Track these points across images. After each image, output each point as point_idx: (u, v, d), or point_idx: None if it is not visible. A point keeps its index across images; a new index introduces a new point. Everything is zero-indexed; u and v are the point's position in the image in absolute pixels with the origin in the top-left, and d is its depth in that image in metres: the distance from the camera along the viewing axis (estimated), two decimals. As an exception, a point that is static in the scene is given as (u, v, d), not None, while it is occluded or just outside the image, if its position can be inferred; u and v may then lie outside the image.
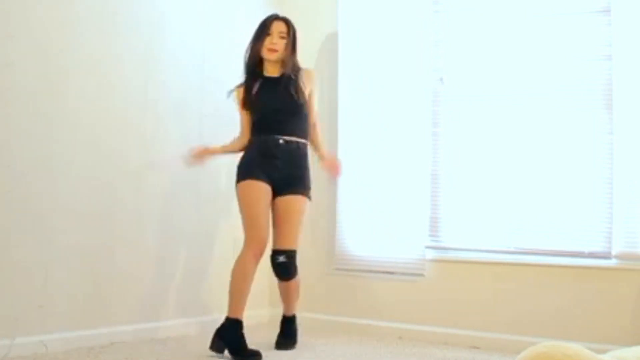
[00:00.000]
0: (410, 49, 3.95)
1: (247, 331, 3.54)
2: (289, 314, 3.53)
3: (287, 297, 3.48)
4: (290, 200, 3.33)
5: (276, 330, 3.52)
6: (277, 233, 3.36)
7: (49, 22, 3.11)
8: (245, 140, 3.43)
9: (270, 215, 3.34)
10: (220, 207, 3.98)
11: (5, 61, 2.94)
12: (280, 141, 3.31)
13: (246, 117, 3.43)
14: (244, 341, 3.14)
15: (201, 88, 3.88)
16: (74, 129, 3.21)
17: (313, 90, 3.46)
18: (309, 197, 3.41)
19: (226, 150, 3.50)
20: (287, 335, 3.49)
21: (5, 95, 2.94)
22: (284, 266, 3.33)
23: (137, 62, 3.52)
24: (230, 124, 3.98)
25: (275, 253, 3.35)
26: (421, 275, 3.84)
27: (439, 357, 3.29)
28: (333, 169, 3.62)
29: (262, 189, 3.28)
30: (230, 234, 4.02)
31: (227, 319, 3.17)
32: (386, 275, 3.94)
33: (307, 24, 4.04)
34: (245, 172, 3.30)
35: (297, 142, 3.35)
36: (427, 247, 3.85)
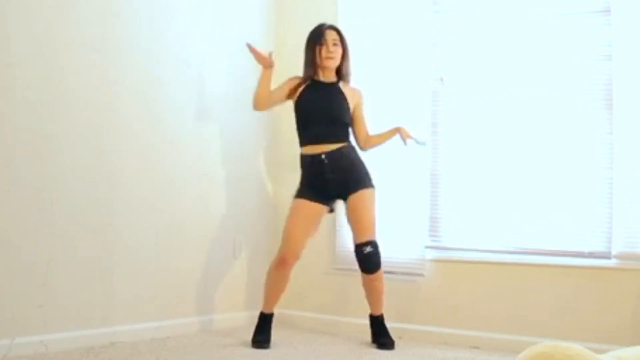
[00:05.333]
0: (410, 49, 3.95)
1: (247, 331, 3.56)
2: (377, 312, 3.57)
3: (374, 294, 3.53)
4: (357, 197, 3.49)
5: (277, 329, 3.51)
6: (355, 229, 3.49)
7: (49, 22, 3.11)
8: (266, 98, 3.55)
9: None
10: (220, 208, 3.98)
11: (5, 61, 2.94)
12: (323, 156, 3.46)
13: (281, 88, 3.56)
14: (258, 330, 3.47)
15: (201, 88, 3.88)
16: (73, 129, 3.21)
17: (359, 105, 3.66)
18: (372, 187, 3.54)
19: (263, 82, 3.56)
20: (384, 333, 3.53)
21: (5, 95, 2.94)
22: (371, 256, 3.44)
23: (139, 62, 3.52)
24: (229, 124, 3.99)
25: (359, 246, 3.45)
26: (421, 275, 3.84)
27: (439, 357, 3.29)
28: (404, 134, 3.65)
29: (309, 208, 3.49)
30: (230, 234, 4.02)
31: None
32: (386, 275, 3.92)
33: (307, 25, 4.03)
34: (300, 191, 3.53)
35: (339, 148, 3.49)
36: (427, 247, 3.85)
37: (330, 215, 4.08)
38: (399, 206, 3.92)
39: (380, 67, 4.04)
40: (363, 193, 3.49)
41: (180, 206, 3.75)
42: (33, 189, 3.04)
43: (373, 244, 3.46)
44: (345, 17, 4.14)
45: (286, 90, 3.56)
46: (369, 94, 4.05)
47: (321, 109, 3.51)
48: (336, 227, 4.09)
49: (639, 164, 3.35)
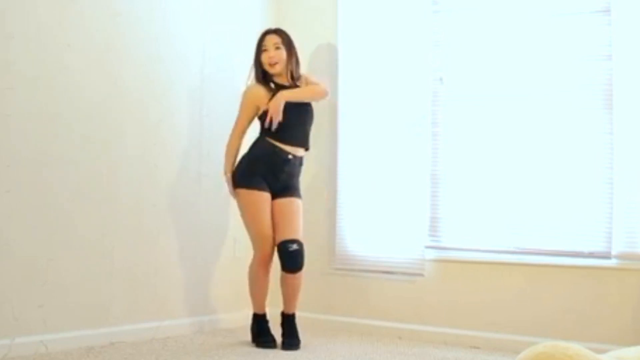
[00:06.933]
0: (410, 49, 3.95)
1: (247, 331, 3.56)
2: (291, 311, 3.51)
3: (291, 293, 3.46)
4: (290, 202, 3.50)
5: (277, 329, 3.51)
6: (281, 228, 3.43)
7: (50, 21, 3.11)
8: (240, 141, 3.53)
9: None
10: (221, 207, 3.98)
11: (6, 60, 2.94)
12: (290, 156, 3.46)
13: (248, 119, 3.53)
14: (260, 331, 3.50)
15: (201, 88, 3.89)
16: (74, 128, 3.21)
17: (307, 78, 3.60)
18: (301, 198, 3.56)
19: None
20: (292, 334, 3.47)
21: (5, 95, 2.94)
22: (296, 254, 3.38)
23: (139, 62, 3.52)
24: (230, 124, 3.98)
25: (285, 243, 3.39)
26: (421, 275, 3.84)
27: (439, 357, 3.29)
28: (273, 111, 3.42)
29: (265, 200, 3.44)
30: (231, 234, 4.02)
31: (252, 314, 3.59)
32: (386, 275, 3.93)
33: (308, 24, 4.05)
34: (248, 179, 3.45)
35: (301, 158, 3.52)
36: (427, 247, 3.84)
37: (330, 216, 4.09)
38: (399, 206, 3.92)
39: (380, 67, 4.04)
40: (295, 201, 3.50)
41: (180, 206, 3.75)
42: (33, 189, 3.04)
43: (299, 243, 3.40)
44: (345, 17, 4.14)
45: (250, 118, 3.51)
46: (369, 94, 4.07)
47: (292, 113, 3.43)
48: (336, 227, 4.09)
49: (639, 164, 3.35)
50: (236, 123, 3.54)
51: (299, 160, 3.52)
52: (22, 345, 2.91)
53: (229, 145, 3.53)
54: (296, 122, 3.47)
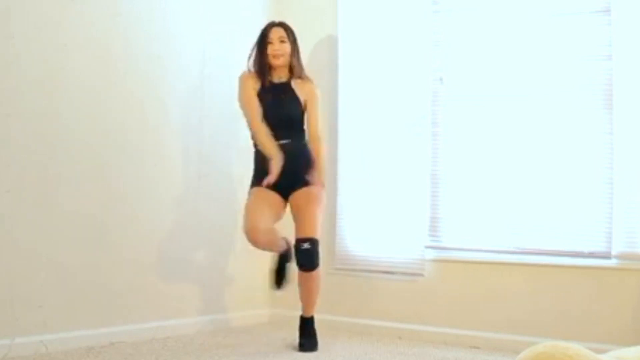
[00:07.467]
0: (410, 49, 3.95)
1: (247, 331, 3.56)
2: (308, 314, 3.45)
3: (307, 294, 3.40)
4: (301, 193, 3.42)
5: (277, 329, 3.51)
6: (297, 225, 3.40)
7: (50, 21, 3.11)
8: (262, 123, 3.44)
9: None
10: (220, 207, 3.98)
11: (7, 60, 2.94)
12: None
13: (257, 103, 3.46)
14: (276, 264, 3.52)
15: (201, 88, 3.89)
16: (74, 128, 3.21)
17: (310, 100, 3.52)
18: (321, 185, 3.48)
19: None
20: (309, 335, 3.42)
21: (6, 95, 2.94)
22: (308, 253, 3.30)
23: (140, 62, 3.52)
24: (230, 124, 3.99)
25: (299, 241, 3.34)
26: (421, 275, 3.84)
27: (439, 357, 3.29)
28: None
29: (265, 192, 3.40)
30: (231, 234, 4.02)
31: None
32: (386, 275, 3.93)
33: (307, 25, 4.04)
34: (254, 182, 3.49)
35: (284, 144, 3.41)
36: (427, 247, 3.84)
37: (330, 216, 4.09)
38: (399, 206, 3.92)
39: (380, 67, 4.04)
40: (310, 189, 3.42)
41: (180, 206, 3.75)
42: (33, 189, 3.04)
43: (312, 241, 3.31)
44: (345, 17, 4.14)
45: (255, 96, 3.47)
46: (369, 94, 4.07)
47: (273, 111, 3.42)
48: (336, 227, 4.09)
49: (639, 164, 3.35)
50: (249, 112, 3.46)
51: (290, 146, 3.40)
52: (22, 345, 2.91)
53: (257, 133, 3.42)
54: (269, 118, 3.41)
